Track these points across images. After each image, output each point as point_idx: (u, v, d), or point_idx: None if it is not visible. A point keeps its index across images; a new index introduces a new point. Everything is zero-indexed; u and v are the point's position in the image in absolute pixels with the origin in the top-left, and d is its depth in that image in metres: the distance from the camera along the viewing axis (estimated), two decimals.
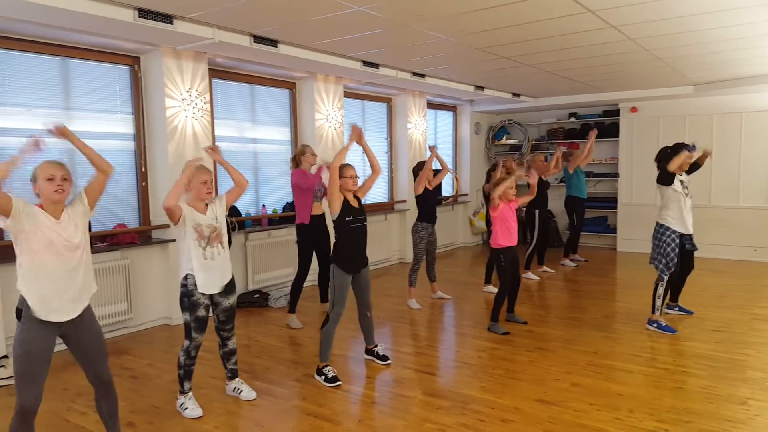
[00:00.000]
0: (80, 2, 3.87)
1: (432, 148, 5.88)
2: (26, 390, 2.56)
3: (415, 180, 5.90)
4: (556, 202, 9.20)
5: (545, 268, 7.60)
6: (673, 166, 4.80)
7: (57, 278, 2.59)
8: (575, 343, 4.68)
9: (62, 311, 2.62)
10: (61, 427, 3.32)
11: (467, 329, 5.16)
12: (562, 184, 8.68)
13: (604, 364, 4.19)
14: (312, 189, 5.26)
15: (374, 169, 4.23)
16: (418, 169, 5.93)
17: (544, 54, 5.87)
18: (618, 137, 9.34)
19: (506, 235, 5.02)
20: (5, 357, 4.20)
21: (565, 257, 8.24)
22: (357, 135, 4.03)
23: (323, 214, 5.39)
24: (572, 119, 10.09)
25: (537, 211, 7.09)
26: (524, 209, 5.18)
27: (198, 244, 3.34)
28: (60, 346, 2.84)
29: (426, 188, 5.83)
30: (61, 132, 2.63)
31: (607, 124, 9.70)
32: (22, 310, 2.56)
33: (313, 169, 5.39)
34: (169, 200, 3.22)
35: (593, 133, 7.83)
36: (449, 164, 10.10)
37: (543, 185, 7.19)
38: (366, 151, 4.20)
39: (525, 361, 4.29)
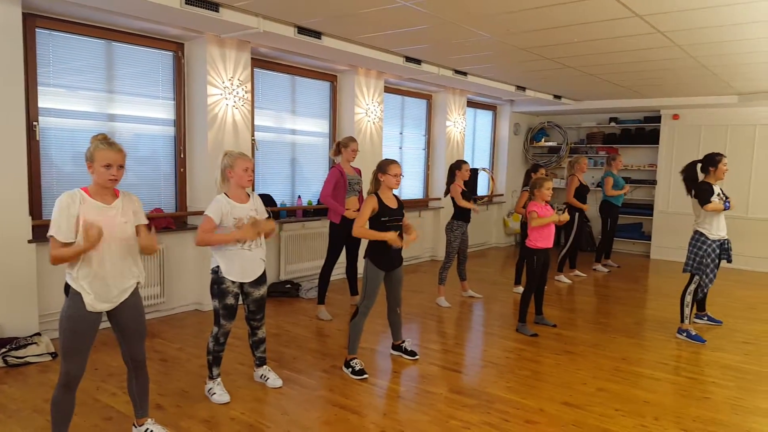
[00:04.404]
0: None
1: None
2: (71, 361, 2.61)
3: (450, 179, 5.87)
4: (591, 207, 9.06)
5: (577, 272, 7.54)
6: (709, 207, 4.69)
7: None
8: (603, 348, 4.63)
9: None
10: (90, 406, 3.36)
11: (495, 329, 5.14)
12: (599, 189, 8.57)
13: (631, 371, 4.14)
14: (342, 190, 5.24)
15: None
16: (456, 167, 5.88)
17: (588, 57, 5.78)
18: (658, 144, 9.19)
19: (545, 237, 5.00)
20: (38, 334, 4.27)
21: (597, 262, 8.14)
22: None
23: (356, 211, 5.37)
24: (612, 124, 9.95)
25: (577, 214, 7.04)
26: (565, 210, 5.13)
27: None
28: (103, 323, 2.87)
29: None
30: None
31: (647, 131, 9.54)
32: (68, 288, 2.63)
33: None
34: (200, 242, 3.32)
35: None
36: (486, 164, 10.04)
37: (583, 188, 7.14)
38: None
39: (552, 364, 4.26)
